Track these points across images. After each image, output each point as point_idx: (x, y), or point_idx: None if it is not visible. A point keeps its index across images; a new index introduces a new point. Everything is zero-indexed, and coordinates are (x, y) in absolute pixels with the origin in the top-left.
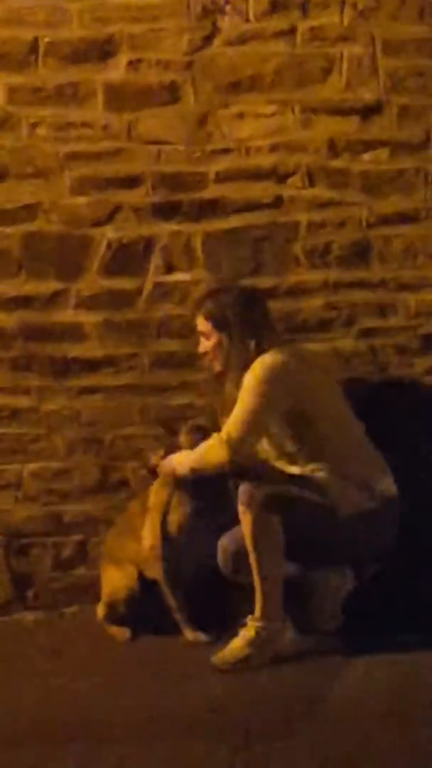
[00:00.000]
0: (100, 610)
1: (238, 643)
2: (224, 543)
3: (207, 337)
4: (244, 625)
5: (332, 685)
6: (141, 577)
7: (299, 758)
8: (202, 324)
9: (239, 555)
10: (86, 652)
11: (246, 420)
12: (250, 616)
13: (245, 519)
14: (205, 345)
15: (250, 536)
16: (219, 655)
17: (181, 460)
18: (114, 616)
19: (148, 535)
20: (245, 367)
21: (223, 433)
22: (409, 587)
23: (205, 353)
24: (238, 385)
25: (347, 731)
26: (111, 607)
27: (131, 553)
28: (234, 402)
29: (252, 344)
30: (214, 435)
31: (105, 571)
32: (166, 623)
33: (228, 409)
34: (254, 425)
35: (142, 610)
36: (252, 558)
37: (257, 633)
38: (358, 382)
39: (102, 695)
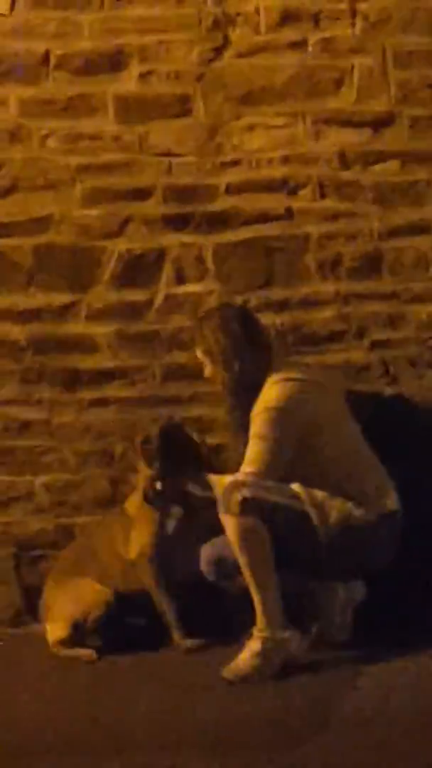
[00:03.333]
0: (60, 631)
1: (245, 655)
2: (205, 550)
3: (204, 363)
4: (249, 636)
5: (344, 696)
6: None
7: None
8: (197, 352)
9: (220, 561)
10: (95, 664)
11: (261, 465)
12: (254, 627)
13: (227, 526)
14: (206, 371)
15: (235, 543)
16: (228, 667)
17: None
18: (80, 636)
19: (137, 544)
20: (232, 389)
21: (241, 475)
22: (421, 596)
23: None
24: (230, 410)
25: (360, 742)
26: (78, 626)
27: (105, 568)
28: (231, 427)
29: (236, 366)
30: (232, 476)
31: (68, 588)
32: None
33: (231, 435)
34: (272, 468)
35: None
36: (242, 565)
37: (263, 643)
38: (368, 395)
39: (111, 708)
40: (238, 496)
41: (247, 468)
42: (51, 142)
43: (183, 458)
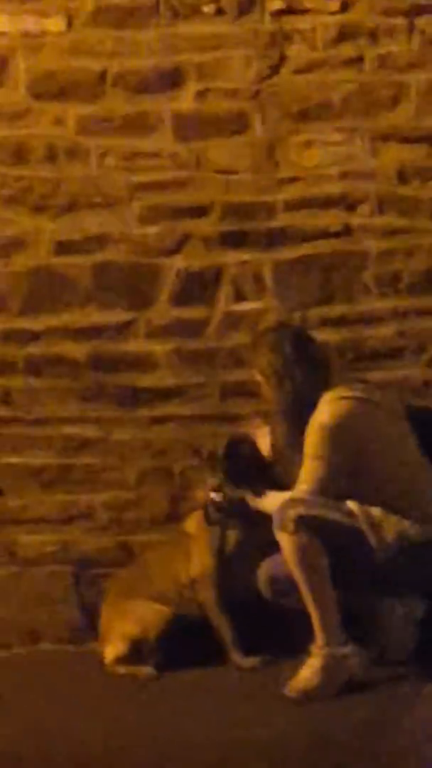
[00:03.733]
0: (118, 649)
1: (307, 673)
2: (262, 568)
3: (259, 383)
4: (309, 654)
5: (403, 715)
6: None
7: None
8: (254, 373)
9: (277, 580)
10: (154, 683)
11: (315, 483)
12: (313, 644)
13: (282, 543)
14: (262, 390)
15: (291, 560)
16: (290, 685)
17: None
18: (137, 654)
19: (198, 563)
20: (283, 410)
21: (296, 493)
22: None
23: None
24: (281, 430)
25: (419, 762)
26: (136, 644)
27: (161, 589)
28: (282, 447)
29: (288, 387)
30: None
31: (126, 608)
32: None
33: (282, 455)
34: (326, 486)
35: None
36: (299, 583)
37: (323, 660)
38: (428, 411)
39: (170, 726)
40: (292, 514)
41: (302, 486)
42: (109, 160)
43: (248, 471)
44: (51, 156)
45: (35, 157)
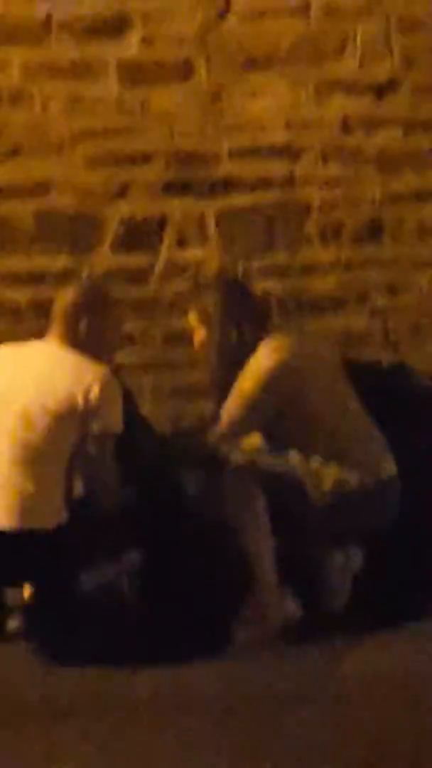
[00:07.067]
0: None
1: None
2: None
3: (196, 331)
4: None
5: (338, 665)
6: None
7: (296, 738)
8: (190, 318)
9: None
10: None
11: (235, 421)
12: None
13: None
14: (195, 339)
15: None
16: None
17: None
18: None
19: None
20: (224, 355)
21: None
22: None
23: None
24: (217, 375)
25: (353, 712)
26: None
27: None
28: (216, 392)
29: (233, 334)
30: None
31: None
32: None
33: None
34: (242, 426)
35: None
36: (237, 530)
37: (259, 607)
38: (368, 363)
39: None
40: (228, 467)
41: (219, 425)
42: (53, 106)
43: None
44: None
45: None
